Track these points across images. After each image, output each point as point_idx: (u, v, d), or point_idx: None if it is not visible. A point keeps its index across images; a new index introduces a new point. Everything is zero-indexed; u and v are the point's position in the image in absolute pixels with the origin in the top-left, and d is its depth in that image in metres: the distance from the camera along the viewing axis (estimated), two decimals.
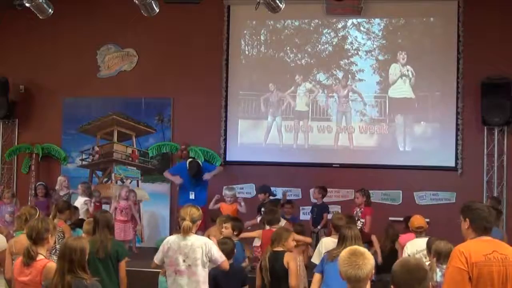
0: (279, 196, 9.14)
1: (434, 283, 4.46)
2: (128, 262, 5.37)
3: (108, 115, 10.43)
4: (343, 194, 9.51)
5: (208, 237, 6.95)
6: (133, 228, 9.17)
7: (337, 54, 9.91)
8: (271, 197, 8.44)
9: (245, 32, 10.22)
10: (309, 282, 5.46)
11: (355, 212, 7.69)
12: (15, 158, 10.71)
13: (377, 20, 9.79)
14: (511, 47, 9.03)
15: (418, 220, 6.03)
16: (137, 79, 10.29)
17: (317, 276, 4.90)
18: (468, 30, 9.26)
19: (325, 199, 8.74)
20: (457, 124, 9.34)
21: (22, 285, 4.08)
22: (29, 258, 4.04)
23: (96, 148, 10.48)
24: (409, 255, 5.49)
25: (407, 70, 9.59)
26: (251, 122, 10.10)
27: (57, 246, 5.19)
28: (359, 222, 7.42)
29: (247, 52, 10.27)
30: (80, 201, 8.57)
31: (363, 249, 3.03)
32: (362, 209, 7.74)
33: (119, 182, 10.20)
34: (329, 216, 7.88)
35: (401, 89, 9.63)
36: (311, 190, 9.18)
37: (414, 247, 5.62)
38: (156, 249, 8.53)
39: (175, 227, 8.88)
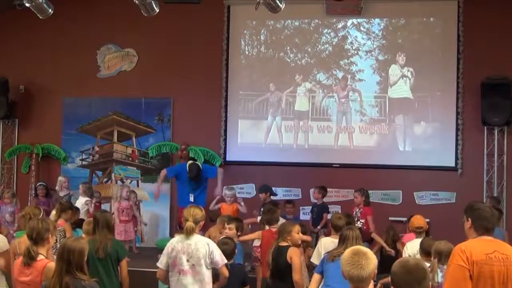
0: (280, 196, 9.15)
1: (436, 284, 4.47)
2: (128, 262, 5.37)
3: (108, 115, 10.43)
4: (343, 194, 9.51)
5: (209, 237, 6.99)
6: (134, 228, 9.19)
7: (337, 54, 9.92)
8: (272, 197, 8.44)
9: (245, 32, 10.22)
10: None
11: (354, 212, 7.69)
12: (15, 158, 10.71)
13: (377, 20, 9.79)
14: (511, 47, 9.03)
15: (418, 220, 6.03)
16: (137, 79, 10.29)
17: (316, 277, 4.88)
18: (468, 30, 9.26)
19: (325, 199, 8.73)
20: (457, 124, 9.34)
21: (23, 286, 4.08)
22: (30, 258, 4.05)
23: (96, 148, 10.48)
24: (409, 256, 5.50)
25: (407, 71, 9.59)
26: (251, 122, 10.10)
27: (58, 245, 5.19)
28: (358, 222, 7.42)
29: (247, 52, 10.27)
30: (81, 201, 8.57)
31: (365, 249, 3.03)
32: (361, 209, 7.75)
33: (119, 182, 10.20)
34: (329, 216, 7.87)
35: (401, 90, 9.63)
36: (311, 190, 9.18)
37: (414, 248, 5.62)
38: (156, 249, 8.56)
39: (175, 227, 8.91)
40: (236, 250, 5.32)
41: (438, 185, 9.34)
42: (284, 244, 5.25)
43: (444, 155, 9.44)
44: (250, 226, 7.82)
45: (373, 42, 9.78)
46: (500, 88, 8.84)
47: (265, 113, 10.02)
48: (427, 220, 6.20)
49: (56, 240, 5.46)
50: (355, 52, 9.81)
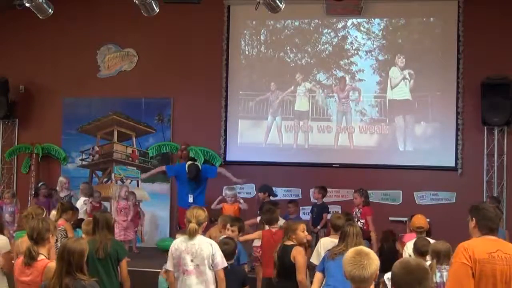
0: (280, 196, 9.15)
1: (434, 284, 4.47)
2: (128, 262, 5.37)
3: (108, 115, 10.43)
4: (343, 194, 9.51)
5: (209, 237, 6.99)
6: (134, 228, 9.19)
7: (337, 54, 9.91)
8: (271, 197, 8.44)
9: (245, 32, 10.22)
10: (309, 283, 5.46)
11: (354, 213, 7.70)
12: (15, 158, 10.72)
13: (377, 20, 9.79)
14: (511, 47, 9.03)
15: (419, 220, 6.03)
16: (137, 79, 10.29)
17: (318, 275, 4.90)
18: (468, 30, 9.26)
19: (325, 199, 8.73)
20: (457, 124, 9.34)
21: (23, 286, 4.08)
22: (30, 258, 4.05)
23: (96, 148, 10.48)
24: (409, 255, 5.50)
25: (407, 73, 9.58)
26: (251, 122, 10.10)
27: (59, 245, 5.19)
28: (359, 222, 7.42)
29: (247, 52, 10.27)
30: (80, 201, 8.58)
31: (368, 250, 3.03)
32: (361, 209, 7.75)
33: (119, 182, 10.19)
34: (329, 216, 7.87)
35: (401, 90, 9.63)
36: (311, 190, 9.18)
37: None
38: (156, 249, 8.57)
39: (175, 227, 8.92)
40: (236, 251, 5.31)
41: (438, 185, 9.34)
42: (290, 243, 5.27)
43: (444, 155, 9.44)
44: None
45: (373, 42, 9.77)
46: (500, 88, 8.84)
47: (265, 113, 10.02)
48: (427, 220, 6.18)
49: (57, 239, 5.46)
50: (355, 52, 9.80)
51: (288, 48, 10.08)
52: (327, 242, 5.70)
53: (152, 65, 10.23)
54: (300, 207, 9.03)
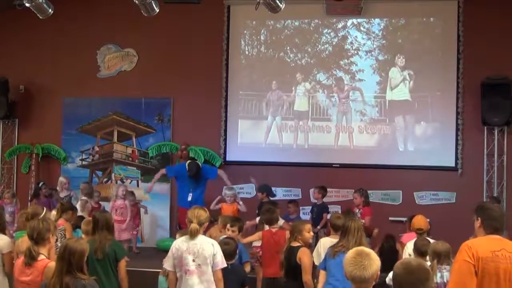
0: (280, 196, 9.15)
1: (434, 285, 4.47)
2: (128, 262, 5.37)
3: (108, 115, 10.43)
4: (343, 194, 9.50)
5: (209, 237, 6.99)
6: (134, 228, 9.19)
7: (337, 54, 9.91)
8: (270, 198, 8.44)
9: (245, 32, 10.22)
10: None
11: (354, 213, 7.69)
12: (15, 158, 10.71)
13: (377, 20, 9.79)
14: (511, 47, 9.03)
15: (418, 221, 6.04)
16: (137, 79, 10.29)
17: (322, 273, 4.94)
18: (468, 30, 9.26)
19: (325, 199, 8.73)
20: (457, 124, 9.34)
21: (24, 285, 4.08)
22: (31, 258, 4.06)
23: (96, 148, 10.48)
24: (409, 255, 5.50)
25: (407, 74, 9.58)
26: (251, 122, 10.10)
27: (59, 244, 5.19)
28: None
29: (247, 52, 10.27)
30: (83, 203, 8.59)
31: (368, 250, 3.03)
32: (361, 209, 7.75)
33: (119, 182, 10.19)
34: (329, 216, 7.87)
35: (401, 90, 9.63)
36: (311, 190, 9.18)
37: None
38: (156, 249, 8.57)
39: (175, 227, 8.92)
40: (237, 251, 5.32)
41: (438, 185, 9.34)
42: (296, 244, 5.29)
43: (444, 155, 9.44)
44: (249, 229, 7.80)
45: (373, 42, 9.77)
46: (500, 88, 8.83)
47: (265, 113, 10.02)
48: (427, 220, 6.18)
49: (57, 239, 5.46)
50: (355, 52, 9.80)
51: (288, 48, 10.08)
52: (327, 242, 5.70)
53: (152, 65, 10.23)
54: (300, 207, 9.03)
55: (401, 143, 9.65)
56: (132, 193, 9.26)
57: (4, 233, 5.34)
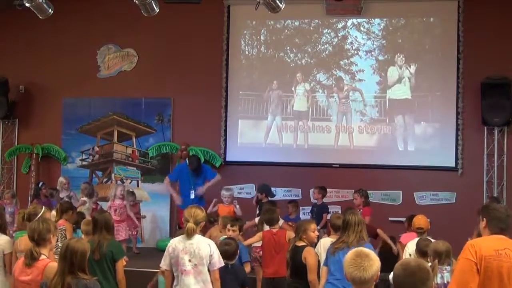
0: (280, 196, 9.14)
1: (435, 285, 4.47)
2: (127, 262, 5.36)
3: (108, 115, 10.43)
4: (343, 194, 9.50)
5: (209, 237, 6.99)
6: (134, 228, 9.18)
7: (337, 54, 9.92)
8: (269, 198, 8.42)
9: (245, 32, 10.22)
10: None
11: None
12: (15, 158, 10.72)
13: (377, 20, 9.79)
14: (511, 47, 9.03)
15: (418, 221, 6.04)
16: (137, 79, 10.29)
17: (324, 269, 4.97)
18: (468, 30, 9.26)
19: (325, 199, 8.73)
20: (457, 124, 9.33)
21: (23, 285, 4.09)
22: (32, 259, 4.07)
23: (96, 148, 10.48)
24: (410, 255, 5.51)
25: (407, 71, 9.58)
26: (251, 122, 10.10)
27: (59, 244, 5.20)
28: None
29: (247, 52, 10.27)
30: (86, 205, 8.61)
31: (368, 251, 3.03)
32: (361, 209, 7.74)
33: (119, 182, 10.19)
34: (329, 216, 7.87)
35: (401, 90, 9.63)
36: (311, 190, 9.18)
37: (414, 246, 5.61)
38: (156, 249, 8.56)
39: (175, 227, 8.91)
40: (238, 251, 5.32)
41: (438, 185, 9.33)
42: (301, 243, 5.31)
43: (444, 155, 9.44)
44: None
45: (373, 42, 9.77)
46: (500, 88, 8.83)
47: (265, 113, 10.02)
48: (428, 220, 6.18)
49: (57, 239, 5.46)
50: (355, 52, 9.80)
51: (288, 48, 10.08)
52: (327, 242, 5.70)
53: (152, 65, 10.23)
54: (300, 207, 9.04)
55: (401, 143, 9.65)
56: (132, 193, 9.26)
57: (5, 233, 5.35)
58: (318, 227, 8.24)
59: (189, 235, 4.71)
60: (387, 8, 9.76)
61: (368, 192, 8.28)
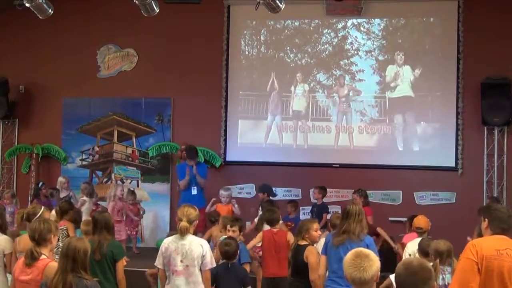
0: (280, 196, 9.14)
1: (436, 286, 4.47)
2: (128, 262, 5.36)
3: (108, 115, 10.43)
4: (343, 194, 9.50)
5: (210, 236, 7.00)
6: (133, 228, 9.18)
7: (337, 54, 9.92)
8: (271, 197, 8.44)
9: (245, 32, 10.22)
10: None
11: None
12: (15, 158, 10.71)
13: (377, 20, 9.79)
14: (511, 47, 9.03)
15: (418, 221, 6.05)
16: (137, 79, 10.29)
17: (323, 258, 4.95)
18: (468, 30, 9.26)
19: (325, 199, 8.73)
20: (457, 124, 9.33)
21: (23, 285, 4.08)
22: (32, 259, 4.07)
23: (96, 148, 10.48)
24: (409, 255, 5.51)
25: (406, 71, 9.58)
26: (251, 122, 10.10)
27: (60, 244, 5.19)
28: None
29: (247, 52, 10.27)
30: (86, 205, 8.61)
31: (368, 251, 3.03)
32: None
33: (119, 182, 10.19)
34: (329, 216, 7.87)
35: (401, 90, 9.63)
36: (311, 190, 9.18)
37: (414, 246, 5.63)
38: (156, 249, 8.52)
39: (175, 227, 8.90)
40: (238, 251, 5.32)
41: (438, 185, 9.33)
42: (303, 243, 5.33)
43: (444, 155, 9.44)
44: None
45: (373, 42, 9.77)
46: (500, 88, 8.83)
47: (265, 113, 10.02)
48: (428, 220, 6.18)
49: (59, 239, 5.45)
50: (355, 52, 9.80)
51: (288, 48, 10.08)
52: None
53: (152, 65, 10.23)
54: (300, 207, 9.05)
55: (401, 143, 9.65)
56: (132, 192, 9.26)
57: (6, 234, 5.34)
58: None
59: (182, 233, 4.70)
60: (387, 8, 9.76)
61: (368, 192, 8.29)
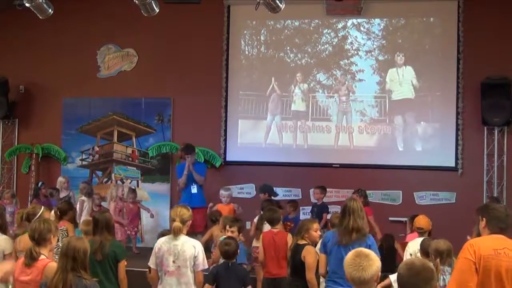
0: (280, 196, 9.14)
1: (438, 287, 4.48)
2: (128, 262, 5.35)
3: (108, 115, 10.43)
4: (343, 194, 9.47)
5: (211, 236, 7.01)
6: (133, 228, 9.18)
7: (337, 54, 9.92)
8: (272, 197, 8.43)
9: (245, 32, 10.22)
10: None
11: None
12: (15, 158, 10.71)
13: (377, 20, 9.79)
14: (511, 47, 9.03)
15: (419, 221, 6.05)
16: (137, 79, 10.29)
17: (323, 257, 4.91)
18: (468, 30, 9.26)
19: (325, 199, 8.73)
20: (457, 124, 9.33)
21: (23, 285, 4.08)
22: (32, 259, 4.07)
23: (96, 148, 10.48)
24: (411, 255, 5.51)
25: (406, 71, 9.58)
26: (251, 122, 10.10)
27: (60, 244, 5.19)
28: None
29: (247, 52, 10.27)
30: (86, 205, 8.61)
31: (368, 251, 3.04)
32: None
33: (119, 182, 10.19)
34: (329, 216, 7.87)
35: (401, 91, 9.63)
36: (311, 190, 9.18)
37: (415, 246, 5.63)
38: None
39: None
40: (238, 251, 5.32)
41: (438, 185, 9.33)
42: (302, 242, 5.33)
43: (444, 155, 9.44)
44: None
45: (373, 42, 9.77)
46: (500, 88, 8.83)
47: (265, 113, 10.02)
48: (429, 220, 6.18)
49: (58, 239, 5.45)
50: (355, 52, 9.80)
51: (288, 48, 10.08)
52: None
53: (152, 65, 10.23)
54: (300, 207, 9.05)
55: (401, 143, 9.65)
56: (133, 191, 9.27)
57: (6, 234, 5.34)
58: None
59: (176, 234, 4.70)
60: (387, 8, 9.76)
61: (368, 192, 8.29)
